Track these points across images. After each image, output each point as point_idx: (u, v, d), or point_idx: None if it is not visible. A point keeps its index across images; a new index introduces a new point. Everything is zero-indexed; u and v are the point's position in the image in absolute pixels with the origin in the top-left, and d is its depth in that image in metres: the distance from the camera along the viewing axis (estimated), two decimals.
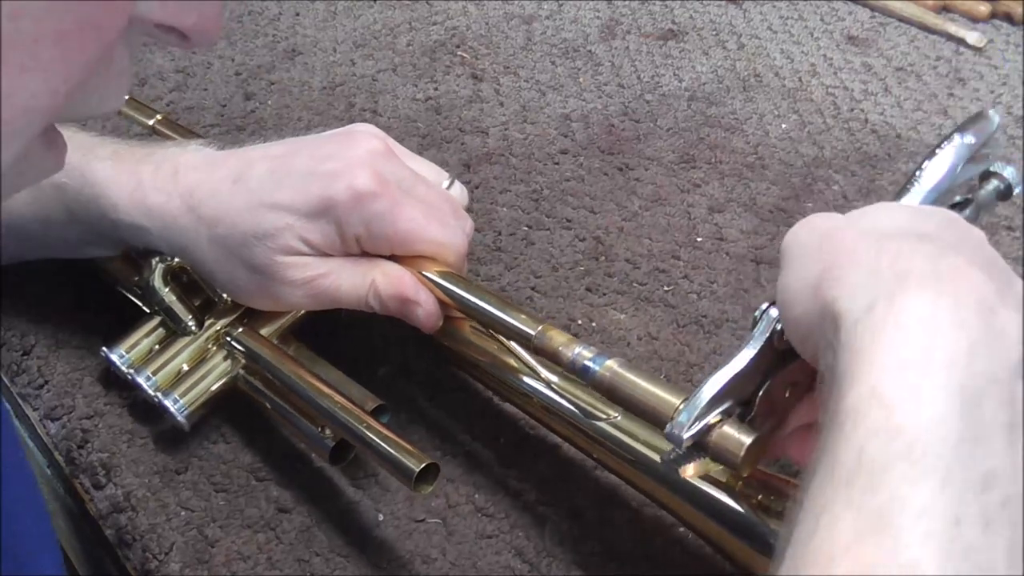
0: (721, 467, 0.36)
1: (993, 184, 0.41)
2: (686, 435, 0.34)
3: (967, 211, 0.40)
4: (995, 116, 0.42)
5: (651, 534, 0.44)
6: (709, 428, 0.35)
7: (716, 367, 0.35)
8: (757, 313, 0.35)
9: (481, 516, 0.46)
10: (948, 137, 0.40)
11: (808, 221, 0.35)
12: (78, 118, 0.30)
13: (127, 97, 0.64)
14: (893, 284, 0.29)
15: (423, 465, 0.40)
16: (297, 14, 0.85)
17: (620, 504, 0.46)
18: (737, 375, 0.34)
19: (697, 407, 0.34)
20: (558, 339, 0.41)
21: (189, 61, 0.78)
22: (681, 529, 0.44)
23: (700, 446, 0.35)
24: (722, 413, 0.35)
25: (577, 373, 0.40)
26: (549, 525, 0.45)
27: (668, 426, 0.35)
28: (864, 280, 0.30)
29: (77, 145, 0.49)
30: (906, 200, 0.39)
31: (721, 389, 0.34)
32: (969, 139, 0.40)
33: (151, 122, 0.62)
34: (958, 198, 0.40)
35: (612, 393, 0.39)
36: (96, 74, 0.26)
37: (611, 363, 0.39)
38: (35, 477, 0.46)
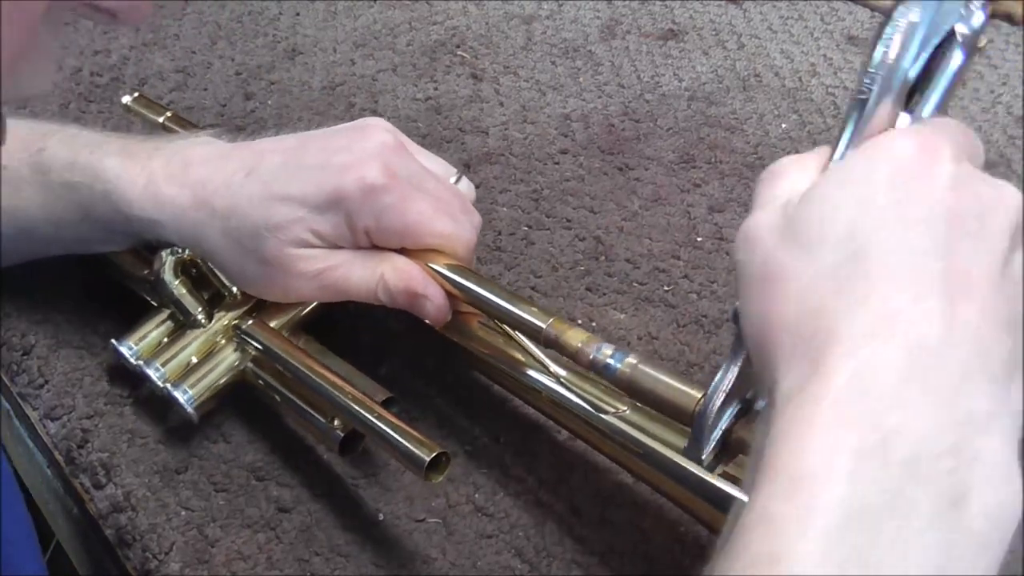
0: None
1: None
2: (704, 455, 0.34)
3: (956, 48, 0.32)
4: None
5: (651, 534, 0.44)
6: (729, 430, 0.35)
7: (713, 376, 0.35)
8: (731, 310, 0.34)
9: (481, 516, 0.46)
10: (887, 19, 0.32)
11: (749, 231, 0.32)
12: (8, 100, 0.29)
13: (137, 94, 0.65)
14: (811, 363, 0.27)
15: (434, 454, 0.40)
16: (297, 14, 0.85)
17: (620, 504, 0.46)
18: (736, 379, 0.34)
19: (702, 432, 0.34)
20: (576, 336, 0.41)
21: (189, 61, 0.78)
22: (681, 529, 0.44)
23: (725, 448, 0.35)
24: (736, 413, 0.35)
25: (598, 371, 0.40)
26: (549, 525, 0.45)
27: (684, 448, 0.35)
28: (790, 356, 0.28)
29: (84, 143, 0.49)
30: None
31: (722, 401, 0.34)
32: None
33: (161, 119, 0.62)
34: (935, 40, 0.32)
35: (632, 389, 0.39)
36: (22, 55, 0.26)
37: (631, 359, 0.39)
38: (12, 475, 0.46)
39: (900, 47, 0.31)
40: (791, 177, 0.33)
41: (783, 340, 0.28)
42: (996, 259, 0.28)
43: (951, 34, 0.32)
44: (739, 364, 0.34)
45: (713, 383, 0.34)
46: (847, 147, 0.32)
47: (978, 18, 0.32)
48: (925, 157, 0.29)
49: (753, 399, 0.35)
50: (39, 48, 0.27)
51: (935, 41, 0.32)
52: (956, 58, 0.32)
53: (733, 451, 0.35)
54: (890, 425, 0.25)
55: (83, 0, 0.27)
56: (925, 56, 0.32)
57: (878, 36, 0.31)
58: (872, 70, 0.31)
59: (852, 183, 0.30)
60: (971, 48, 0.32)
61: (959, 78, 0.32)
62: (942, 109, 0.32)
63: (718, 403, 0.34)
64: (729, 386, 0.34)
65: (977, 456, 0.25)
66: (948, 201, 0.28)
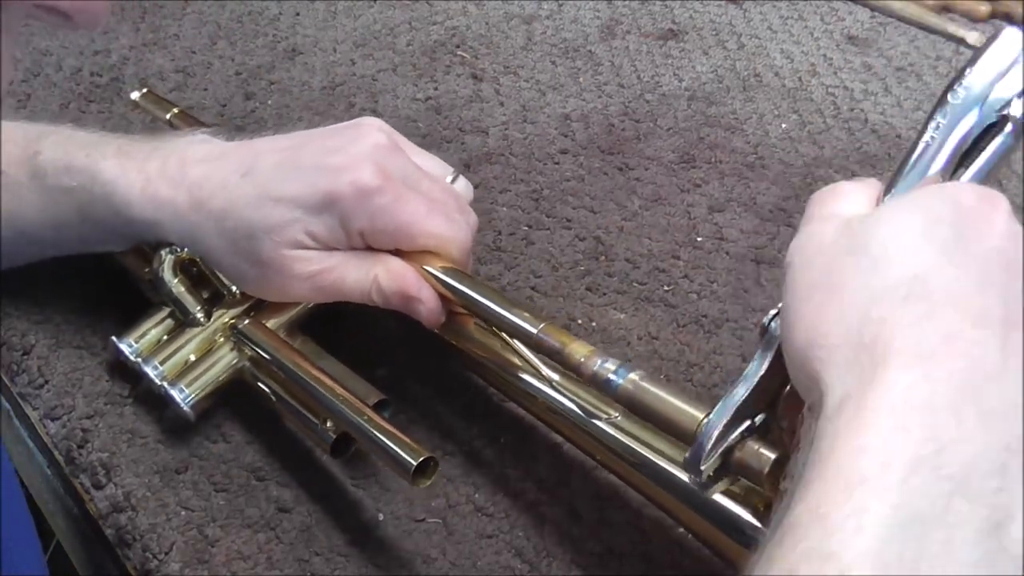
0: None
1: None
2: (703, 467, 0.34)
3: (1006, 133, 0.35)
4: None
5: (650, 535, 0.44)
6: (731, 448, 0.35)
7: (726, 392, 0.35)
8: (765, 321, 0.35)
9: (481, 516, 0.46)
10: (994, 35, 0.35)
11: (809, 239, 0.34)
12: None
13: (145, 90, 0.65)
14: (869, 370, 0.28)
15: (421, 459, 0.40)
16: (297, 14, 0.85)
17: (620, 504, 0.46)
18: (749, 395, 0.34)
19: (707, 443, 0.34)
20: (578, 350, 0.41)
21: (189, 61, 0.78)
22: (680, 530, 0.44)
23: (725, 466, 0.35)
24: (743, 431, 0.35)
25: (599, 385, 0.40)
26: (549, 525, 0.45)
27: (684, 458, 0.35)
28: (843, 361, 0.29)
29: (80, 144, 0.49)
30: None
31: (733, 415, 0.34)
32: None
33: (167, 116, 0.62)
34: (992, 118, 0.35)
35: (634, 406, 0.39)
36: None
37: (634, 376, 0.39)
38: (13, 474, 0.46)
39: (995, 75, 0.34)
40: (849, 198, 0.35)
41: (840, 347, 0.29)
42: None
43: (1004, 116, 0.35)
44: (753, 385, 0.34)
45: (721, 404, 0.34)
46: (908, 174, 0.35)
47: None
48: (986, 206, 0.31)
49: (753, 427, 0.35)
50: None
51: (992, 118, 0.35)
52: (1006, 136, 0.35)
53: (733, 471, 0.35)
54: (945, 439, 0.26)
55: (36, 1, 0.27)
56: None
57: (969, 63, 0.35)
58: (954, 98, 0.35)
59: (920, 213, 0.32)
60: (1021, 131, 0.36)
61: (1004, 156, 0.35)
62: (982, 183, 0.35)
63: (721, 426, 0.34)
64: (737, 406, 0.34)
65: (1020, 482, 0.26)
66: (1005, 247, 0.30)
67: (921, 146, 0.35)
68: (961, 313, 0.29)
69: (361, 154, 0.45)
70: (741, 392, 0.34)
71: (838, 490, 0.26)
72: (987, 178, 0.35)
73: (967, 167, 0.35)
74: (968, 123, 0.34)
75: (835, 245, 0.32)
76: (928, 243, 0.31)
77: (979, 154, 0.35)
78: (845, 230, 0.33)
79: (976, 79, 0.34)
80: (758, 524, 0.36)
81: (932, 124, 0.35)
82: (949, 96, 0.35)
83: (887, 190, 0.35)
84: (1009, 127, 0.35)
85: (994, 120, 0.35)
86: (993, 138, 0.35)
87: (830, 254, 0.32)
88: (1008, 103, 0.34)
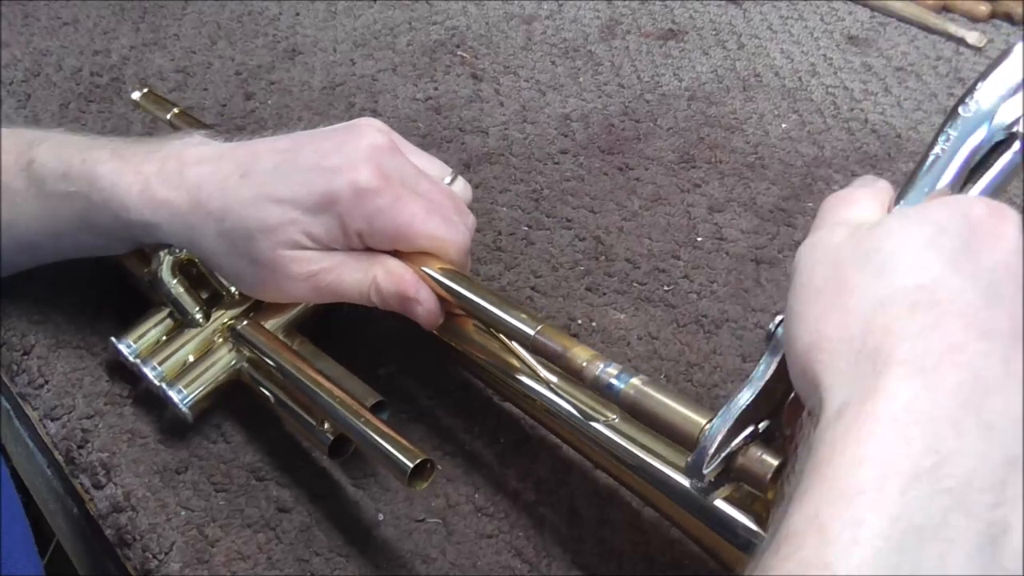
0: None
1: None
2: (705, 472, 0.34)
3: (1015, 151, 0.36)
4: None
5: (650, 534, 0.44)
6: (734, 454, 0.34)
7: (729, 397, 0.34)
8: (771, 327, 0.35)
9: (481, 516, 0.46)
10: (1008, 50, 0.36)
11: (816, 245, 0.33)
12: None
13: (146, 90, 0.65)
14: (871, 379, 0.28)
15: (418, 461, 0.40)
16: (297, 14, 0.85)
17: (619, 504, 0.46)
18: (752, 401, 0.34)
19: (709, 449, 0.34)
20: (580, 354, 0.40)
21: (189, 61, 0.78)
22: (679, 531, 0.44)
23: (727, 471, 0.35)
24: (746, 437, 0.35)
25: (601, 390, 0.40)
26: (549, 525, 0.45)
27: (687, 463, 0.35)
28: (845, 368, 0.29)
29: (75, 149, 0.49)
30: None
31: (736, 421, 0.34)
32: None
33: (168, 116, 0.62)
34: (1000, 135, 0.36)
35: (636, 411, 0.39)
36: None
37: (636, 381, 0.39)
38: (9, 475, 0.46)
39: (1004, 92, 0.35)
40: (861, 205, 0.35)
41: (842, 352, 0.29)
42: None
43: (1013, 134, 0.35)
44: (757, 390, 0.34)
45: (724, 410, 0.34)
46: (918, 184, 0.35)
47: None
48: (996, 219, 0.31)
49: (756, 432, 0.35)
50: None
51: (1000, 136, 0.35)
52: (1014, 154, 0.35)
53: (735, 477, 0.35)
54: (945, 451, 0.26)
55: None
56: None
57: (981, 76, 0.35)
58: (965, 111, 0.35)
59: (929, 223, 0.31)
60: None
61: (1012, 173, 0.35)
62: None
63: (724, 432, 0.34)
64: (741, 412, 0.34)
65: (1018, 497, 0.26)
66: (1013, 260, 0.30)
67: (931, 157, 0.35)
68: (966, 325, 0.28)
69: (359, 155, 0.45)
70: (745, 398, 0.34)
71: (836, 500, 0.26)
72: (995, 194, 0.35)
73: (975, 182, 0.35)
74: (977, 138, 0.34)
75: (842, 251, 0.32)
76: (936, 253, 0.30)
77: (987, 170, 0.35)
78: (853, 237, 0.33)
79: (986, 95, 0.34)
80: (759, 530, 0.36)
81: (943, 136, 0.35)
82: (960, 109, 0.35)
83: (897, 199, 0.35)
84: (1017, 145, 0.35)
85: (1003, 137, 0.35)
86: (1002, 155, 0.35)
87: (836, 260, 0.32)
88: (1017, 120, 0.34)
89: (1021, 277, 0.30)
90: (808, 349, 0.31)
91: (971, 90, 0.35)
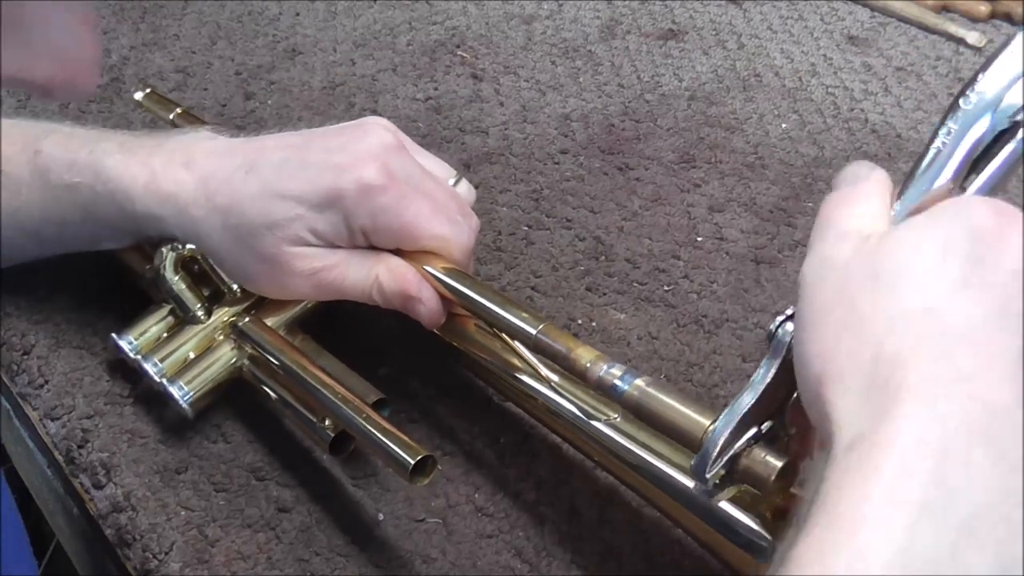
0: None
1: None
2: (709, 474, 0.34)
3: (1018, 140, 0.35)
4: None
5: (650, 534, 0.44)
6: (737, 456, 0.34)
7: (733, 399, 0.34)
8: (772, 328, 0.34)
9: (481, 516, 0.46)
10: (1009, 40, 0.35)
11: (825, 260, 0.33)
12: None
13: (149, 90, 0.65)
14: (881, 410, 0.27)
15: (419, 457, 0.40)
16: (297, 14, 0.85)
17: (619, 504, 0.46)
18: (755, 402, 0.34)
19: (713, 451, 0.34)
20: (584, 355, 0.40)
21: (189, 61, 0.78)
22: (680, 529, 0.44)
23: (731, 473, 0.35)
24: (749, 439, 0.34)
25: (605, 391, 0.40)
26: (549, 525, 0.45)
27: (690, 465, 0.35)
28: (856, 401, 0.28)
29: (82, 142, 0.49)
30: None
31: (739, 423, 0.34)
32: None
33: (171, 116, 0.62)
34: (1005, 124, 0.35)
35: (640, 412, 0.38)
36: None
37: (639, 382, 0.39)
38: (2, 475, 0.46)
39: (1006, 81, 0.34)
40: (863, 206, 0.34)
41: (854, 379, 0.29)
42: None
43: (1016, 123, 0.34)
44: (759, 392, 0.34)
45: (727, 412, 0.34)
46: (919, 180, 0.34)
47: None
48: (1002, 224, 0.31)
49: (759, 434, 0.35)
50: None
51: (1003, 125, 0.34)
52: (1017, 142, 0.34)
53: (739, 478, 0.35)
54: (954, 484, 0.26)
55: (10, 75, 0.25)
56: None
57: (982, 68, 0.34)
58: (965, 104, 0.34)
59: (935, 238, 0.31)
60: None
61: (1016, 162, 0.35)
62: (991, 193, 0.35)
63: (727, 433, 0.34)
64: (744, 413, 0.34)
65: None
66: (1020, 270, 0.29)
67: (932, 152, 0.34)
68: (975, 352, 0.28)
69: (366, 153, 0.45)
70: (748, 400, 0.34)
71: (842, 531, 0.26)
72: (998, 184, 0.34)
73: (978, 173, 0.35)
74: (980, 129, 0.34)
75: (849, 270, 0.32)
76: (944, 270, 0.30)
77: (991, 160, 0.35)
78: (859, 254, 0.32)
79: (988, 85, 0.34)
80: (761, 530, 0.36)
81: (943, 130, 0.34)
82: (961, 102, 0.34)
83: (899, 195, 0.35)
84: (1021, 133, 0.34)
85: (1006, 126, 0.34)
86: (1005, 144, 0.35)
87: (845, 276, 0.31)
88: (1020, 109, 0.34)
89: None
90: (819, 379, 0.30)
91: (971, 83, 0.34)
